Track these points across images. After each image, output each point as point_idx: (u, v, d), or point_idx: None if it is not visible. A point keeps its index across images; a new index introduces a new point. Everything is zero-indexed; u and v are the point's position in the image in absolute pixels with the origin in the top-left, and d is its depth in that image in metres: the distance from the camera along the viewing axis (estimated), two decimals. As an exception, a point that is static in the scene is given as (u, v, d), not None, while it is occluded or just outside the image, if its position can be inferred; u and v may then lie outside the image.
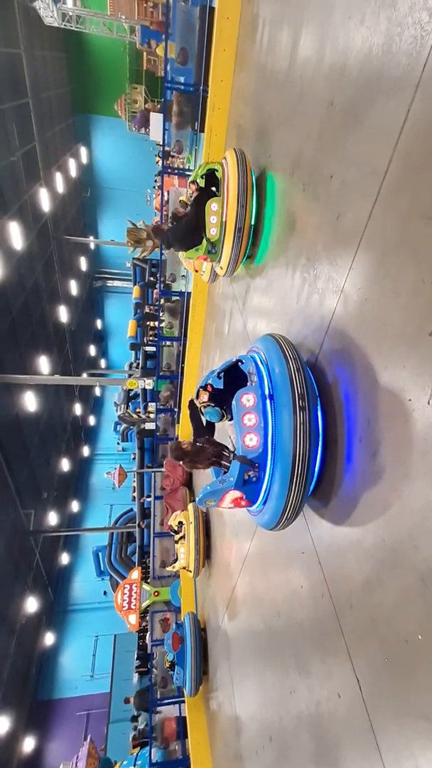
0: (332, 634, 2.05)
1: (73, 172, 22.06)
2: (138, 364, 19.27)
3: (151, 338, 18.23)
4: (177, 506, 9.05)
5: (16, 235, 13.89)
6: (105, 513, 25.13)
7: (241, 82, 4.69)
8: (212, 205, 3.61)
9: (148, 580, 10.07)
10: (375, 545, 1.74)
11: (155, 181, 17.40)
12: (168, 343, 13.14)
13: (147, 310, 19.88)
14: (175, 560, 6.87)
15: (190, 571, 6.35)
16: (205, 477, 7.34)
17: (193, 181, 3.73)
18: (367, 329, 1.88)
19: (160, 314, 12.31)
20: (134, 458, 16.92)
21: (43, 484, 18.46)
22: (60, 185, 19.74)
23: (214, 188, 3.69)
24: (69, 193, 21.60)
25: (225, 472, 2.31)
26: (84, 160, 23.44)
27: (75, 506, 25.04)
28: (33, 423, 16.58)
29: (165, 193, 10.30)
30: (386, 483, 1.69)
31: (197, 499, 2.38)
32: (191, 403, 2.74)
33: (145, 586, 9.76)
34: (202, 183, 3.65)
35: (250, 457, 2.09)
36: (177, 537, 6.73)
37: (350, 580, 1.92)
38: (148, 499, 12.45)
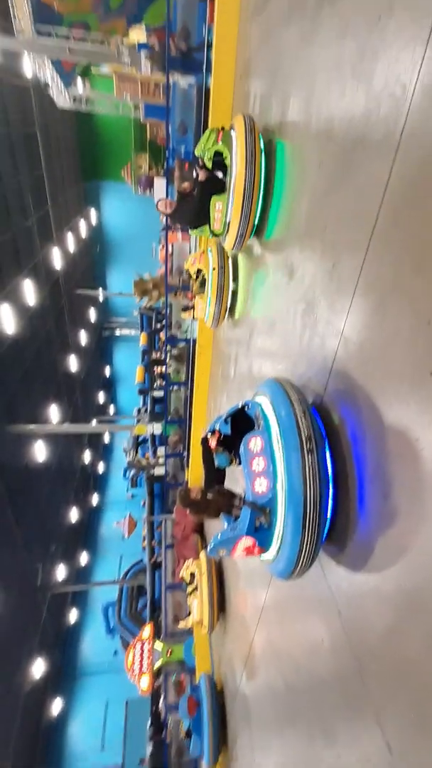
0: (357, 692, 1.92)
1: (84, 232, 23.49)
2: (146, 409, 19.39)
3: (158, 384, 18.48)
4: (189, 555, 8.73)
5: (30, 292, 14.60)
6: (114, 564, 24.20)
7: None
8: (217, 204, 3.64)
9: (161, 638, 9.50)
10: (394, 591, 1.68)
11: (160, 235, 18.39)
12: (175, 387, 13.29)
13: (154, 356, 20.30)
14: (188, 614, 6.54)
15: (204, 627, 6.02)
16: (216, 523, 7.14)
17: (200, 158, 3.64)
18: (369, 370, 1.93)
19: (167, 359, 12.58)
20: (144, 505, 16.57)
21: (51, 537, 18.01)
22: (71, 244, 20.95)
23: (220, 173, 3.63)
24: (79, 251, 22.86)
25: (236, 519, 2.27)
26: (94, 220, 25.02)
27: (84, 558, 24.22)
28: (43, 472, 16.49)
29: (170, 246, 10.88)
30: (401, 525, 1.66)
31: (209, 548, 2.33)
32: (204, 441, 2.74)
33: (158, 645, 9.20)
34: (209, 164, 3.61)
35: (261, 503, 2.07)
36: (189, 589, 6.45)
37: (371, 630, 1.83)
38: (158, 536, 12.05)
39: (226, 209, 3.60)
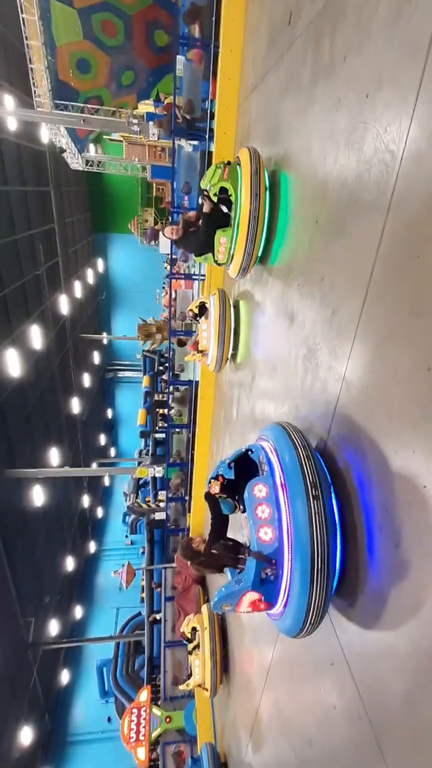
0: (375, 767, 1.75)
1: (91, 279, 24.47)
2: (148, 451, 19.16)
3: (160, 426, 18.41)
4: (190, 608, 8.27)
5: (37, 337, 14.97)
6: (110, 618, 22.88)
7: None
8: (221, 239, 3.71)
9: (159, 703, 8.78)
10: (411, 652, 1.58)
11: (164, 282, 19.13)
12: (177, 430, 13.22)
13: (156, 398, 20.38)
14: (189, 676, 6.09)
15: (207, 690, 5.59)
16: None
17: (205, 190, 3.66)
18: (372, 415, 1.93)
19: (169, 401, 12.62)
20: (143, 552, 15.92)
21: (46, 587, 17.17)
22: (78, 291, 21.75)
23: (225, 208, 3.66)
24: (86, 297, 23.69)
25: (240, 571, 2.18)
26: (100, 269, 26.15)
27: (78, 612, 22.93)
28: (40, 518, 16.02)
29: (173, 292, 11.28)
30: (414, 578, 1.59)
31: (212, 603, 2.21)
32: (208, 495, 2.68)
33: (155, 711, 8.49)
34: (215, 198, 3.64)
35: (266, 553, 1.99)
36: (190, 646, 6.05)
37: (388, 695, 1.70)
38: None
39: (230, 245, 3.71)
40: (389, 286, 1.82)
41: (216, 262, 3.95)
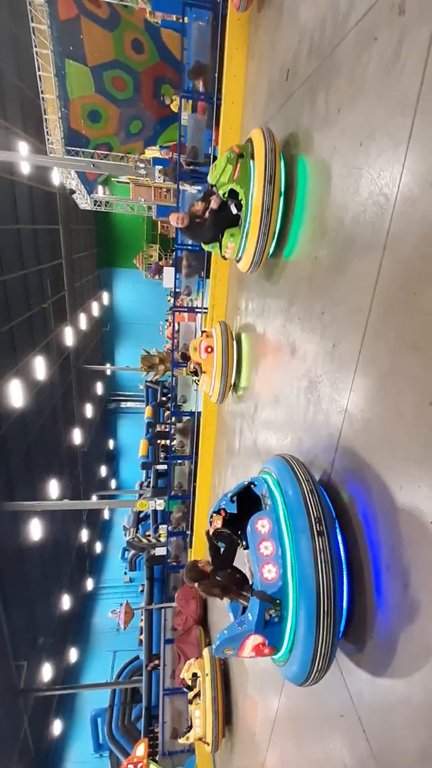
0: None
1: (96, 312, 25.02)
2: (149, 483, 18.83)
3: (162, 456, 18.21)
4: (190, 652, 7.87)
5: (41, 368, 15.12)
6: (107, 662, 21.69)
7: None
8: (228, 244, 3.56)
9: (157, 758, 8.17)
10: (425, 701, 1.49)
11: (167, 315, 19.52)
12: (180, 461, 13.07)
13: (159, 428, 20.27)
14: (189, 728, 5.70)
15: (208, 744, 5.22)
16: (221, 615, 6.55)
17: (214, 186, 3.43)
18: (375, 448, 1.92)
19: (172, 432, 12.54)
20: (142, 590, 15.31)
21: (40, 628, 16.41)
22: (83, 324, 22.18)
23: (234, 208, 3.43)
24: (91, 329, 24.12)
25: (243, 611, 2.09)
26: (106, 302, 26.78)
27: (73, 655, 21.79)
28: (36, 553, 15.55)
29: (176, 324, 11.49)
30: (424, 620, 1.53)
31: (214, 647, 2.11)
32: (208, 535, 2.62)
33: (153, 767, 7.88)
34: (224, 197, 3.44)
35: (271, 593, 1.92)
36: (191, 694, 5.71)
37: (403, 752, 1.59)
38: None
39: (240, 240, 3.48)
40: (388, 321, 1.86)
41: (223, 256, 3.78)
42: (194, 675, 5.79)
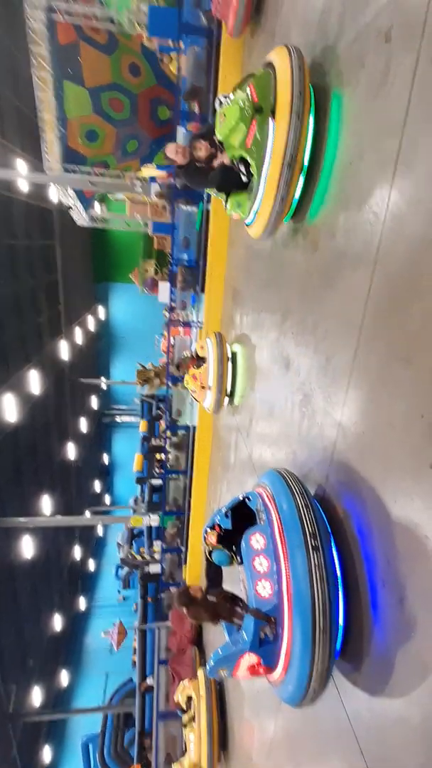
0: None
1: (91, 326, 25.07)
2: (144, 498, 18.61)
3: (157, 471, 18.04)
4: (184, 673, 7.65)
5: (35, 382, 15.04)
6: (99, 685, 21.03)
7: (233, 256, 5.72)
8: (233, 213, 3.08)
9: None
10: (422, 721, 1.46)
11: (162, 329, 19.62)
12: (174, 476, 12.94)
13: (154, 443, 20.14)
14: (184, 753, 5.51)
15: (203, 771, 5.04)
16: (216, 634, 6.40)
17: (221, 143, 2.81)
18: (370, 462, 1.92)
19: (167, 446, 12.46)
20: (136, 609, 14.97)
21: (30, 649, 15.93)
22: (78, 338, 22.19)
23: (243, 170, 2.82)
24: (86, 343, 24.12)
25: (237, 628, 2.05)
26: (101, 316, 26.87)
27: (64, 678, 21.12)
28: (27, 571, 15.20)
29: (172, 338, 11.53)
30: (421, 637, 1.50)
31: (208, 668, 2.07)
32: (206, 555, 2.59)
33: (146, 798, 7.58)
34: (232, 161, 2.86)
35: (265, 610, 1.89)
36: (185, 718, 5.54)
37: (401, 777, 1.54)
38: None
39: (253, 199, 2.78)
40: (380, 336, 1.88)
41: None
42: (189, 698, 5.62)
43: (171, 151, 3.26)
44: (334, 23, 2.44)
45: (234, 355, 5.18)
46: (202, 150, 3.04)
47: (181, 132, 7.90)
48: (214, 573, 2.58)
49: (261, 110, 2.44)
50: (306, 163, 2.59)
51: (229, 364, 5.13)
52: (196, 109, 8.01)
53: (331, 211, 2.46)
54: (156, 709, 8.70)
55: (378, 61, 1.95)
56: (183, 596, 2.47)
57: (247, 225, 3.14)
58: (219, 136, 2.71)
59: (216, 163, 2.95)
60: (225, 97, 2.71)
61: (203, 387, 5.37)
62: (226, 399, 5.27)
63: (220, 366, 5.06)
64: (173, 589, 10.81)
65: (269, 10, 4.07)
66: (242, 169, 2.81)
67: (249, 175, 2.77)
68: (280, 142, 2.40)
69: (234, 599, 2.32)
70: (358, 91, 2.15)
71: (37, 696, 16.13)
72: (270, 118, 2.43)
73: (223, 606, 2.30)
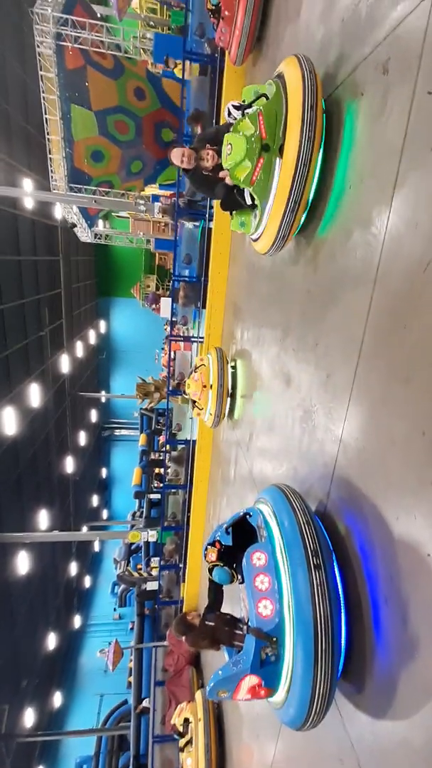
0: None
1: (93, 340, 25.25)
2: (142, 512, 18.40)
3: (156, 486, 17.89)
4: (182, 695, 7.46)
5: (35, 395, 15.07)
6: (93, 706, 20.44)
7: (234, 273, 5.80)
8: (238, 231, 3.01)
9: None
10: (425, 744, 1.43)
11: (163, 343, 19.77)
12: (173, 490, 12.84)
13: (153, 457, 20.04)
14: (181, 782, 5.33)
15: (201, 800, 4.87)
16: (215, 654, 6.27)
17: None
18: (371, 479, 1.93)
19: (166, 460, 12.40)
20: (132, 628, 14.63)
21: (24, 669, 15.54)
22: (80, 351, 22.33)
23: (248, 198, 2.73)
24: (87, 357, 24.26)
25: (238, 650, 2.02)
26: (103, 330, 27.09)
27: (57, 699, 20.54)
28: (23, 588, 14.93)
29: (173, 353, 11.61)
30: (425, 657, 1.49)
31: (207, 690, 2.02)
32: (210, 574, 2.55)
33: None
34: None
35: (267, 630, 1.86)
36: (182, 742, 5.38)
37: (406, 805, 1.51)
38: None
39: (260, 215, 2.69)
40: (380, 353, 1.91)
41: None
42: (186, 720, 5.47)
43: (176, 156, 3.00)
44: (333, 55, 2.54)
45: (234, 369, 5.19)
46: (209, 161, 2.83)
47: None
48: (214, 594, 2.52)
49: (268, 149, 2.33)
50: (311, 198, 2.53)
51: (229, 377, 5.12)
52: (199, 132, 8.26)
53: (332, 232, 2.52)
54: (152, 732, 8.44)
55: (377, 91, 2.04)
56: (180, 624, 2.43)
57: (252, 240, 3.07)
58: (224, 165, 2.60)
59: (223, 174, 2.77)
60: (237, 109, 2.63)
61: (205, 386, 5.16)
62: (227, 412, 5.26)
63: (221, 379, 5.04)
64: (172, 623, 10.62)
65: (271, 40, 4.24)
66: (246, 197, 2.74)
67: (253, 203, 2.72)
68: (284, 186, 2.34)
69: (233, 621, 2.27)
70: (359, 119, 2.23)
71: (30, 717, 15.67)
72: (277, 158, 2.33)
73: (222, 630, 2.23)
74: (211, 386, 5.09)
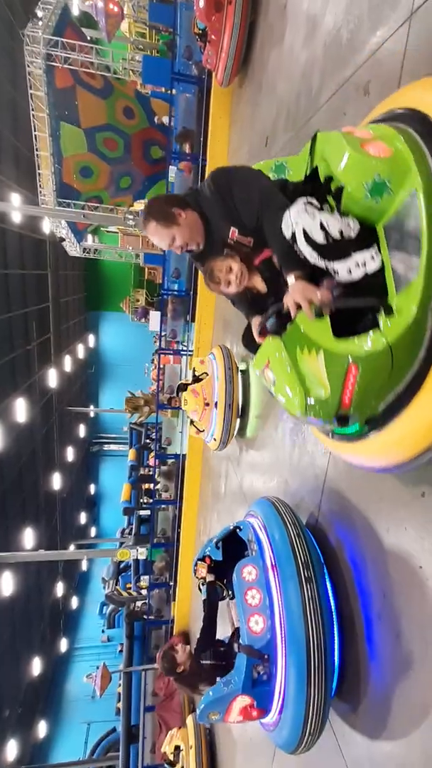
0: None
1: (81, 354, 25.08)
2: (131, 529, 18.03)
3: (145, 502, 17.61)
4: (173, 721, 7.20)
5: (21, 410, 14.81)
6: (80, 735, 19.61)
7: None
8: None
9: None
10: (424, 765, 1.39)
11: (152, 357, 19.75)
12: (163, 506, 12.63)
13: (142, 472, 19.77)
14: None
15: None
16: (207, 674, 6.08)
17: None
18: (361, 490, 1.92)
19: (156, 475, 12.23)
20: (121, 650, 14.17)
21: (6, 698, 14.89)
22: (68, 366, 22.12)
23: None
24: (75, 371, 24.04)
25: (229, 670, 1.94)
26: (92, 344, 26.95)
27: (42, 729, 19.65)
28: (7, 611, 14.41)
29: (162, 366, 11.58)
30: (419, 674, 1.46)
31: (198, 712, 1.94)
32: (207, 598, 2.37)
33: None
34: None
35: (258, 647, 1.81)
36: (173, 772, 5.17)
37: None
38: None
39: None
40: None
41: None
42: (177, 748, 5.27)
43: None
44: (317, 77, 2.63)
45: (246, 375, 4.34)
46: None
47: (173, 170, 8.24)
48: (208, 613, 2.34)
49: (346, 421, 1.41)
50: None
51: (240, 382, 4.07)
52: (187, 149, 8.42)
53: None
54: (141, 762, 8.11)
55: (358, 111, 2.10)
56: (166, 661, 2.17)
57: None
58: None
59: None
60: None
61: (207, 404, 4.18)
62: (235, 430, 4.31)
63: (230, 384, 4.04)
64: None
65: (256, 63, 4.38)
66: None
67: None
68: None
69: (226, 653, 2.09)
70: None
71: (12, 750, 14.95)
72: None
73: (213, 673, 2.00)
74: (215, 404, 4.08)
